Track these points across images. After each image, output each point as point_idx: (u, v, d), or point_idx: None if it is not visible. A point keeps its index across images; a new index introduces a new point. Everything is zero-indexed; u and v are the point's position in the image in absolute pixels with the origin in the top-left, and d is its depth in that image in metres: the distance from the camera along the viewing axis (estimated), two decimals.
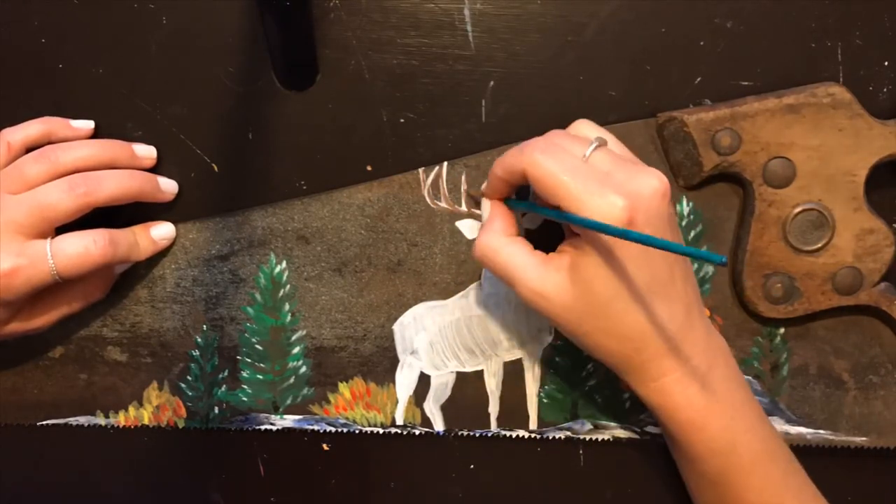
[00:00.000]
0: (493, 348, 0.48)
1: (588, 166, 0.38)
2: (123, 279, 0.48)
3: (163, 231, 0.47)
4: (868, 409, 0.47)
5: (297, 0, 0.43)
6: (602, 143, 0.39)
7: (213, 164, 0.47)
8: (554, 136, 0.40)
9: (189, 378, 0.49)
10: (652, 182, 0.37)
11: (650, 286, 0.38)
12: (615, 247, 0.37)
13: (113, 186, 0.43)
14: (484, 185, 0.44)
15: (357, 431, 0.49)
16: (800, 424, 0.48)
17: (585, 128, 0.41)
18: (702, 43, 0.46)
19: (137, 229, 0.46)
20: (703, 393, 0.39)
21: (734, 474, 0.40)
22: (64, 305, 0.45)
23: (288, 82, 0.46)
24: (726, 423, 0.40)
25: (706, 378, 0.39)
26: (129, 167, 0.45)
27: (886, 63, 0.46)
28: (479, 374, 0.48)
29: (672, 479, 0.46)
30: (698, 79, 0.46)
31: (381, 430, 0.49)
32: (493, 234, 0.42)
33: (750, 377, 0.47)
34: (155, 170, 0.47)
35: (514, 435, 0.48)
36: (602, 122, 0.46)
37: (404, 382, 0.48)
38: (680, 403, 0.39)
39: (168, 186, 0.47)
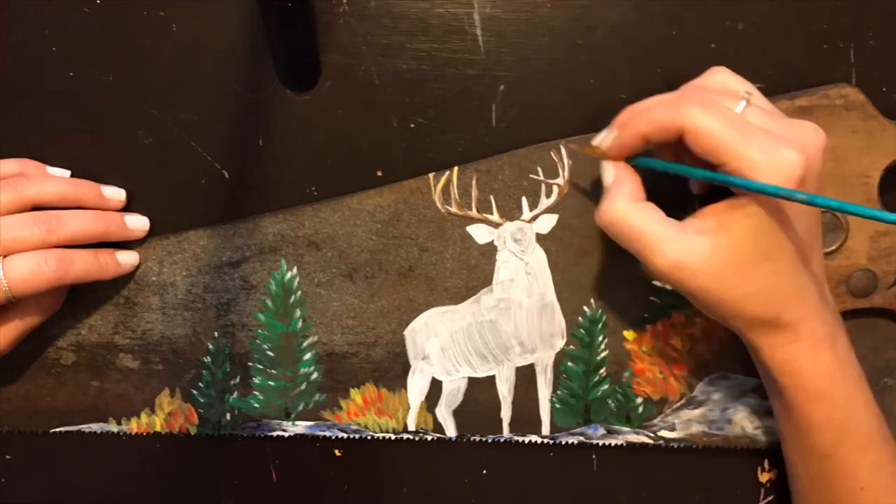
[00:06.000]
0: (505, 353, 0.48)
1: (748, 121, 0.35)
2: (134, 287, 0.48)
3: (128, 257, 0.47)
4: (883, 412, 0.47)
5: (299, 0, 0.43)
6: (750, 97, 0.36)
7: (224, 171, 0.47)
8: (701, 90, 0.37)
9: (201, 385, 0.49)
10: (815, 135, 0.35)
11: (801, 247, 0.36)
12: (777, 206, 0.35)
13: (75, 227, 0.43)
14: (602, 139, 0.39)
15: (369, 437, 0.49)
16: None
17: (726, 77, 0.38)
18: (713, 45, 0.45)
19: (101, 251, 0.46)
20: (832, 361, 0.38)
21: (849, 449, 0.38)
22: (19, 322, 0.45)
23: (290, 82, 0.46)
24: (848, 394, 0.38)
25: (835, 345, 0.38)
26: (96, 207, 0.46)
27: None
28: (490, 380, 0.48)
29: (685, 485, 0.46)
30: None
31: (392, 436, 0.49)
32: (621, 199, 0.37)
33: None
34: (164, 178, 0.47)
35: (526, 440, 0.48)
36: None
37: (416, 388, 0.48)
38: (809, 370, 0.37)
39: (136, 223, 0.47)
